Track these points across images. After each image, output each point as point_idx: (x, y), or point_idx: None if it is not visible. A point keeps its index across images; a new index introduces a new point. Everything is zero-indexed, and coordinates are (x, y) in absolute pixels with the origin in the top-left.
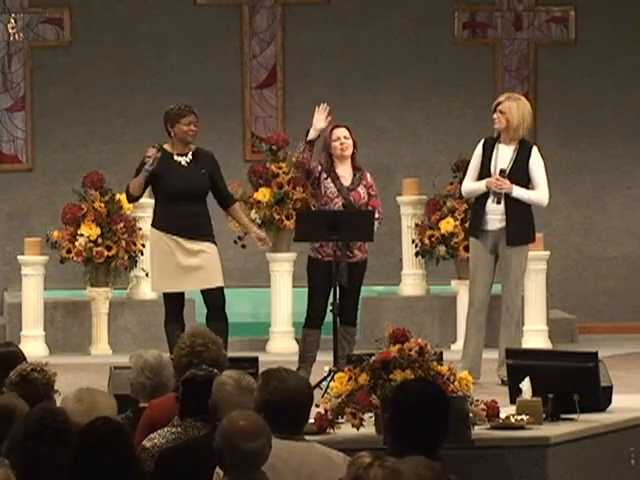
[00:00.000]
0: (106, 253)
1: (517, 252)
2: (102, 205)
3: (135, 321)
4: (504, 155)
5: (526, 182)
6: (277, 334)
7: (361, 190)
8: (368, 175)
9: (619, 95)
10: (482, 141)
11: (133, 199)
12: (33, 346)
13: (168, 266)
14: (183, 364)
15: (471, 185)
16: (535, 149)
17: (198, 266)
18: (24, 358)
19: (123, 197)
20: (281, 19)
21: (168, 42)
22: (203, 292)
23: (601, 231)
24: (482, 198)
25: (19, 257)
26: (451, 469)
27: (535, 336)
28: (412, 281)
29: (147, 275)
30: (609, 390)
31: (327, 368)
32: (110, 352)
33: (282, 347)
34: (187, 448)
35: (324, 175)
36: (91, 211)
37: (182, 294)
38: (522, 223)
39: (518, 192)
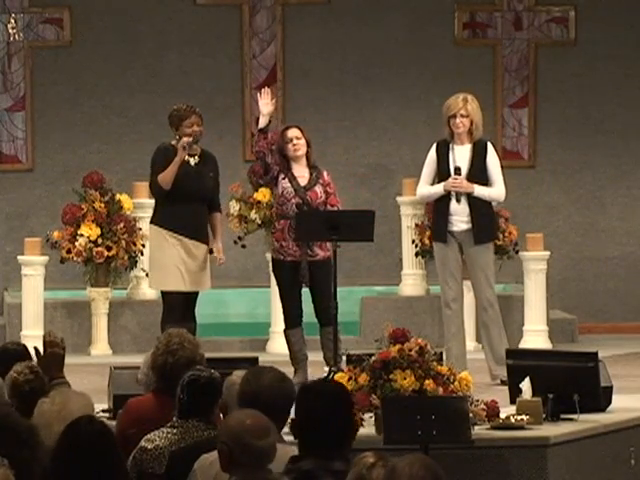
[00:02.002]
0: (106, 253)
1: (483, 251)
2: (102, 205)
3: (135, 321)
4: (461, 155)
5: (485, 180)
6: (277, 334)
7: (318, 189)
8: (325, 173)
9: (619, 95)
10: (434, 145)
11: (161, 193)
12: (33, 346)
13: (168, 264)
14: (158, 363)
15: (427, 190)
16: (490, 145)
17: (195, 268)
18: (30, 356)
19: (123, 197)
20: (281, 19)
21: (168, 42)
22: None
23: (601, 231)
24: (445, 200)
25: (19, 257)
26: (451, 469)
27: (535, 336)
28: (412, 281)
29: (147, 275)
30: (609, 390)
31: (327, 368)
32: (110, 352)
33: (282, 347)
34: (198, 448)
35: (282, 175)
36: (91, 211)
37: (182, 294)
38: (486, 221)
39: (479, 191)
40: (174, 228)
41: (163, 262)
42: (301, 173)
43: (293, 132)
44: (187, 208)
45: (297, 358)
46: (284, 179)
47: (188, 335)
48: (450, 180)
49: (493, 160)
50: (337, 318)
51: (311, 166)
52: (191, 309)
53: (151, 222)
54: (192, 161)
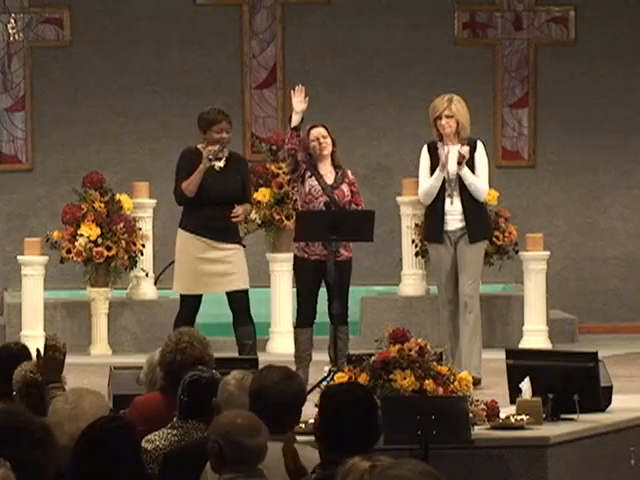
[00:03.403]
0: (106, 253)
1: (475, 249)
2: (102, 205)
3: (135, 321)
4: (452, 154)
5: None
6: (277, 334)
7: (344, 188)
8: (349, 172)
9: (619, 95)
10: (425, 147)
11: (186, 201)
12: (33, 346)
13: (193, 269)
14: (167, 360)
15: (427, 182)
16: (480, 144)
17: (224, 269)
18: (31, 357)
19: (123, 197)
20: (281, 19)
21: (168, 42)
22: (228, 295)
23: (601, 231)
24: (439, 201)
25: (19, 257)
26: (451, 469)
27: (535, 336)
28: (412, 281)
29: (147, 275)
30: (609, 390)
31: (327, 368)
32: (110, 352)
33: (282, 347)
34: (193, 449)
35: (308, 173)
36: (91, 211)
37: (200, 298)
38: (480, 220)
39: (466, 171)
40: (200, 232)
41: (187, 267)
42: (326, 172)
43: (319, 131)
44: (214, 212)
45: (300, 357)
46: (311, 177)
47: (199, 335)
48: (442, 158)
49: (481, 157)
50: (343, 318)
51: (336, 165)
52: (245, 311)
53: (179, 226)
54: (217, 165)
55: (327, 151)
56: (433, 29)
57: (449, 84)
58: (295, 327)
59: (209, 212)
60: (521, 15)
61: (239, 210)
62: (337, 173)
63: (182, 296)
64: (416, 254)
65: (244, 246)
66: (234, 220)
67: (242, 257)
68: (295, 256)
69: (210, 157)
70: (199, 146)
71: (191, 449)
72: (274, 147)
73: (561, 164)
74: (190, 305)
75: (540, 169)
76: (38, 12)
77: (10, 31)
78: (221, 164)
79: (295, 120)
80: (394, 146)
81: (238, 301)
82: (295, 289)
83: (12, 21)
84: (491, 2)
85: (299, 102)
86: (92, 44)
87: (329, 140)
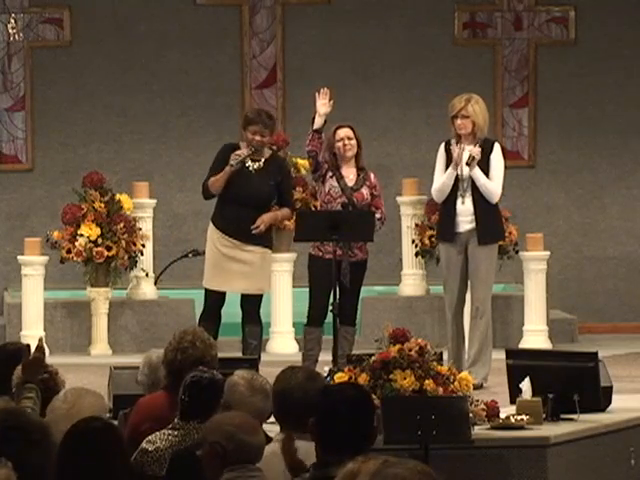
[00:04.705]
0: (106, 253)
1: (486, 251)
2: (102, 205)
3: (135, 321)
4: (465, 154)
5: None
6: (277, 334)
7: (364, 191)
8: (372, 175)
9: (619, 95)
10: (443, 144)
11: (210, 197)
12: (33, 346)
13: (219, 265)
14: (168, 359)
15: (440, 181)
16: (497, 145)
17: (247, 271)
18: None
19: (123, 197)
20: (281, 19)
21: (168, 42)
22: (242, 294)
23: (601, 231)
24: (450, 201)
25: (19, 257)
26: (451, 469)
27: (535, 336)
28: (412, 281)
29: (147, 275)
30: (609, 390)
31: (327, 368)
32: (110, 352)
33: (282, 347)
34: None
35: (329, 173)
36: (91, 211)
37: (224, 294)
38: (491, 222)
39: (478, 172)
40: (228, 231)
41: (213, 261)
42: (349, 173)
43: (345, 132)
44: (240, 212)
45: (305, 356)
46: (332, 177)
47: (203, 334)
48: (455, 156)
49: (497, 158)
50: (351, 319)
51: (359, 167)
52: (255, 312)
53: (211, 219)
54: (253, 167)
55: (351, 153)
56: (433, 29)
57: (449, 84)
58: (305, 325)
59: (237, 213)
60: (521, 15)
61: (259, 223)
62: (359, 175)
63: (206, 290)
64: (416, 254)
65: (270, 248)
66: (254, 232)
67: (267, 260)
68: (310, 254)
69: (232, 163)
70: (240, 143)
71: (197, 448)
72: (274, 147)
73: (561, 164)
74: (213, 300)
75: (540, 169)
76: (38, 12)
77: (10, 31)
78: (258, 166)
79: (318, 123)
80: (394, 146)
81: (251, 302)
82: (308, 288)
83: (12, 21)
84: (491, 2)
85: (323, 105)
86: (92, 44)
87: (354, 142)
